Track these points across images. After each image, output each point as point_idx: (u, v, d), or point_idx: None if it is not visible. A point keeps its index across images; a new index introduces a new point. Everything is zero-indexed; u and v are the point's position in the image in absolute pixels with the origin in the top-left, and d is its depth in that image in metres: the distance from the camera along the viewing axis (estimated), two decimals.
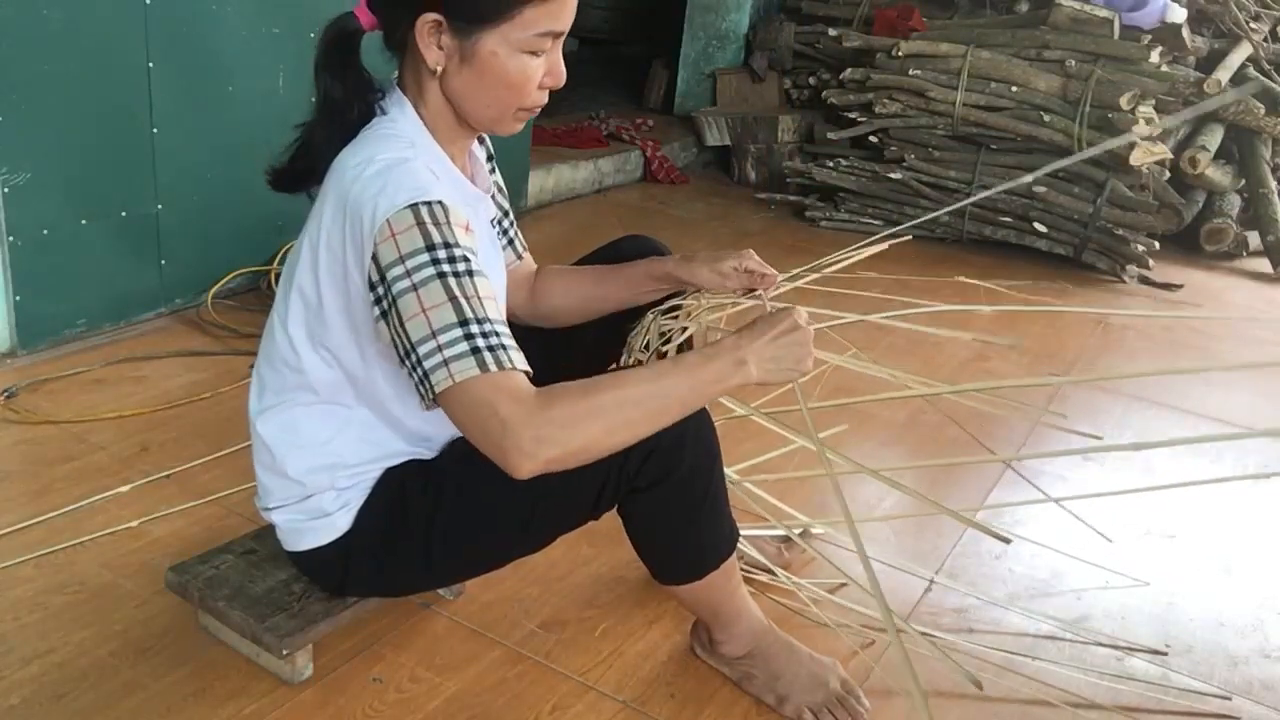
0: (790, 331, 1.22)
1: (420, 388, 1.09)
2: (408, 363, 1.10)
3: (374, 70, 1.23)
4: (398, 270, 1.08)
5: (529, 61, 1.17)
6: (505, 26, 1.13)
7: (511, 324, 1.50)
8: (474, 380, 1.06)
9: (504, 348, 1.08)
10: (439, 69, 1.17)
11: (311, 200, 1.24)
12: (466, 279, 1.09)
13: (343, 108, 1.19)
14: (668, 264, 1.48)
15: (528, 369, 1.11)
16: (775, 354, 1.21)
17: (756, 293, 1.45)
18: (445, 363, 1.07)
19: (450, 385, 1.07)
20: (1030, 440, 2.36)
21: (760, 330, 1.21)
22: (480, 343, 1.07)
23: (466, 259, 1.10)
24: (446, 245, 1.09)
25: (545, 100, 1.23)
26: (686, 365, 1.16)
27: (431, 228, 1.09)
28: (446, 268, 1.08)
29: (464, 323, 1.07)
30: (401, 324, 1.09)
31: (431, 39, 1.15)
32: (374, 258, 1.10)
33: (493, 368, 1.07)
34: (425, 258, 1.08)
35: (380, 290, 1.10)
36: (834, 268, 1.59)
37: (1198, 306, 3.60)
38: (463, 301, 1.08)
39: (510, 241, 1.52)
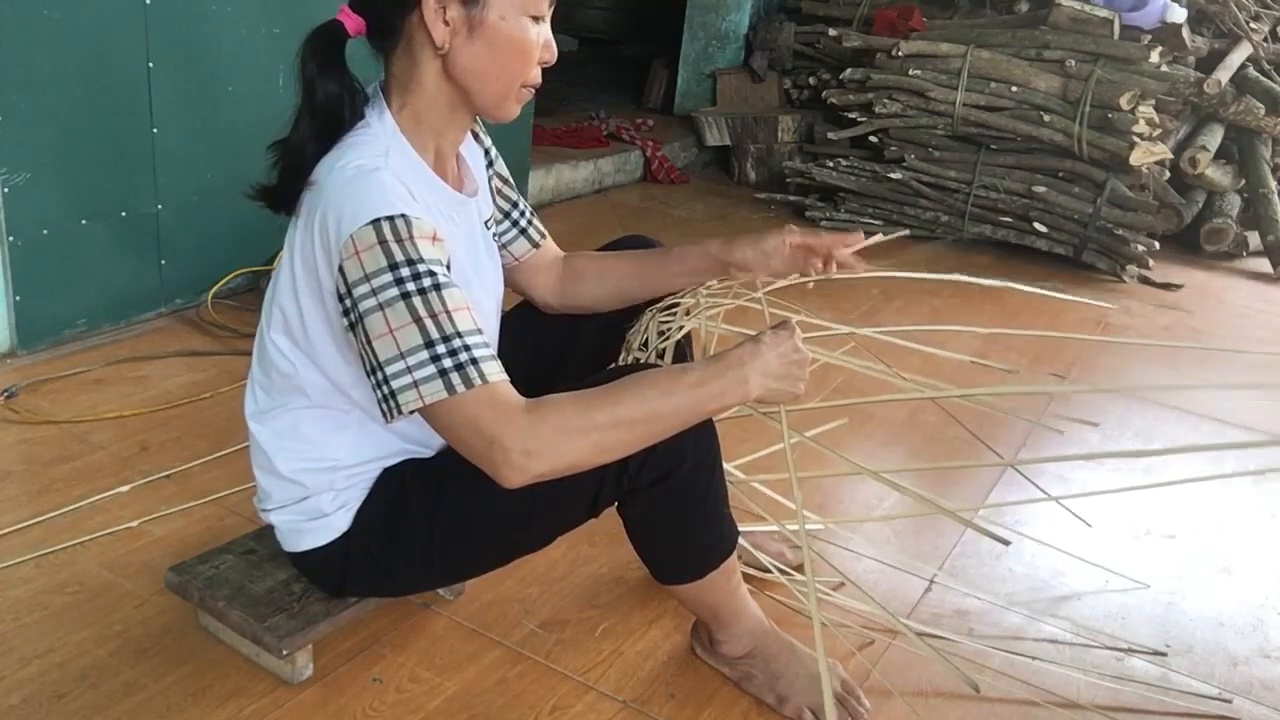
0: (792, 354, 1.23)
1: (384, 405, 1.11)
2: (373, 379, 1.11)
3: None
4: (363, 289, 1.09)
5: (531, 27, 1.19)
6: None
7: (512, 321, 1.52)
8: (446, 401, 1.08)
9: (475, 362, 1.08)
10: (446, 46, 1.17)
11: None
12: (432, 294, 1.09)
13: (341, 113, 1.19)
14: (710, 247, 1.48)
15: (504, 378, 1.11)
16: (777, 373, 1.22)
17: (757, 295, 1.45)
18: (415, 384, 1.08)
19: (420, 406, 1.08)
20: (1030, 438, 2.36)
21: (764, 349, 1.21)
22: (448, 363, 1.08)
23: (432, 273, 1.09)
24: (410, 262, 1.08)
25: (540, 80, 1.24)
26: (687, 383, 1.16)
27: (394, 245, 1.08)
28: (411, 286, 1.08)
29: (430, 343, 1.08)
30: (368, 342, 1.10)
31: (438, 14, 1.16)
32: (340, 270, 1.10)
33: (461, 388, 1.07)
34: (389, 277, 1.08)
35: (348, 304, 1.11)
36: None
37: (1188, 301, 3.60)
38: (428, 321, 1.08)
39: (523, 231, 1.51)
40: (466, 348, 1.09)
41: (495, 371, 1.10)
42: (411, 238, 1.09)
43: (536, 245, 1.53)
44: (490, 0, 1.16)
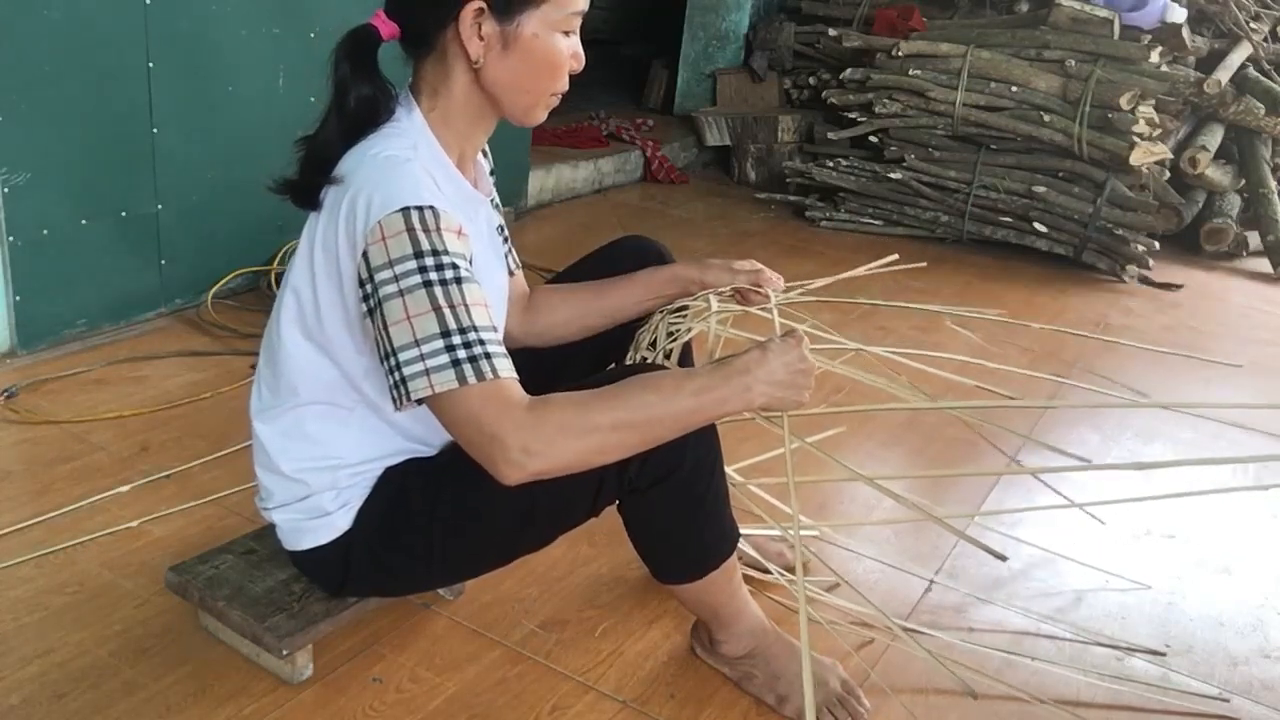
0: (798, 363, 1.23)
1: (395, 391, 1.11)
2: (386, 364, 1.11)
3: None
4: (386, 275, 1.09)
5: (562, 41, 1.21)
6: (545, 7, 1.18)
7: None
8: (454, 392, 1.08)
9: (488, 356, 1.09)
10: (480, 61, 1.19)
11: None
12: (454, 286, 1.09)
13: (373, 115, 1.20)
14: (675, 267, 1.49)
15: (513, 376, 1.11)
16: (783, 381, 1.22)
17: (768, 305, 1.46)
18: (426, 372, 1.08)
19: (430, 394, 1.09)
20: (1028, 441, 2.36)
21: (770, 357, 1.22)
22: (462, 354, 1.08)
23: (455, 266, 1.10)
24: (435, 252, 1.09)
25: (568, 87, 1.26)
26: (691, 389, 1.16)
27: (421, 234, 1.09)
28: (434, 275, 1.09)
29: (446, 333, 1.08)
30: (385, 327, 1.10)
31: (474, 30, 1.17)
32: (364, 255, 1.11)
33: (472, 380, 1.08)
34: (413, 264, 1.09)
35: (368, 289, 1.12)
36: (840, 278, 1.61)
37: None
38: (447, 311, 1.08)
39: (504, 256, 1.52)
40: (481, 341, 1.09)
41: (506, 368, 1.11)
42: (439, 229, 1.10)
43: (511, 273, 1.52)
44: (524, 17, 1.18)
